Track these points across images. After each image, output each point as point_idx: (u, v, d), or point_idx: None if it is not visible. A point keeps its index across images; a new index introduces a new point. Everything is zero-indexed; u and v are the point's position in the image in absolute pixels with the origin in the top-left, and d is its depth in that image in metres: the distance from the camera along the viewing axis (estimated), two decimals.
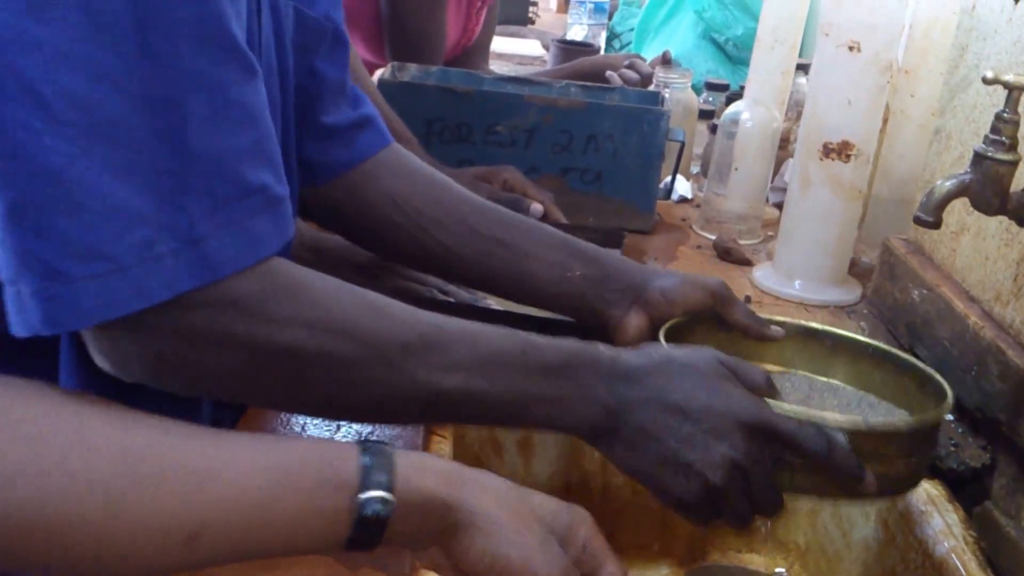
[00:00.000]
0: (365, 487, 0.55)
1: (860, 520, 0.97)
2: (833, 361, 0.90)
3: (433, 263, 0.91)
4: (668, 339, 0.82)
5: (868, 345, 0.89)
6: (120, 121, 0.54)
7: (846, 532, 0.99)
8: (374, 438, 0.68)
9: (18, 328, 0.54)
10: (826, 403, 0.86)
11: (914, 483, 0.76)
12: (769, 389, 0.72)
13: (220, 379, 0.61)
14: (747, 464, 0.67)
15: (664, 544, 1.10)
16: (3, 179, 0.52)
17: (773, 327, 0.88)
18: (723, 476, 0.67)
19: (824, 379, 0.90)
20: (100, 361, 0.60)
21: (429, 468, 0.58)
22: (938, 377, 0.82)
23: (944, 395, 0.78)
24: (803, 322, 0.93)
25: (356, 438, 0.71)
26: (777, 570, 1.09)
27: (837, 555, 1.00)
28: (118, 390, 0.62)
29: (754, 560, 1.11)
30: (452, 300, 1.02)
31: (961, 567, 0.79)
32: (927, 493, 0.88)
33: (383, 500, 0.55)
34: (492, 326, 0.69)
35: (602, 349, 0.70)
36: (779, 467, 0.70)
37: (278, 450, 0.56)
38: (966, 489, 0.90)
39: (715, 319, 0.88)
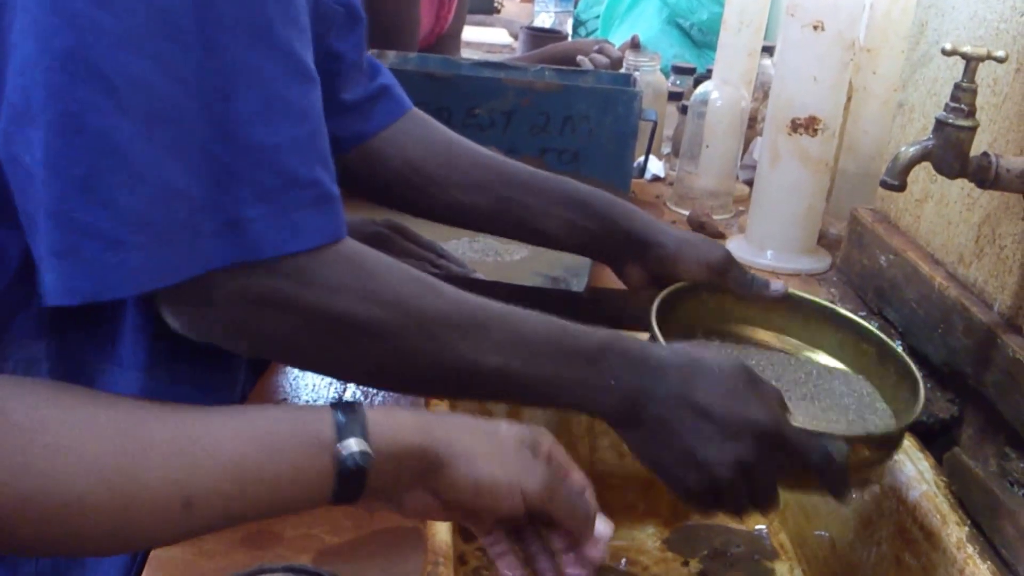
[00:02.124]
0: (342, 442, 0.57)
1: None
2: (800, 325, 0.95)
3: (455, 220, 0.95)
4: (660, 308, 0.86)
5: (825, 308, 0.94)
6: (177, 106, 0.58)
7: None
8: (345, 399, 0.70)
9: (66, 297, 0.57)
10: (787, 374, 0.91)
11: (878, 479, 0.82)
12: (782, 405, 0.75)
13: (279, 343, 0.65)
14: (755, 466, 0.71)
15: (649, 505, 1.14)
16: (71, 154, 0.56)
17: (772, 286, 0.92)
18: (732, 474, 0.71)
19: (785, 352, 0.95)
20: (172, 322, 0.64)
21: (399, 418, 0.60)
22: (900, 352, 0.87)
23: (909, 375, 0.84)
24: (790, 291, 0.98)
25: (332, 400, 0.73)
26: (757, 527, 1.13)
27: (814, 508, 1.05)
28: (171, 359, 0.69)
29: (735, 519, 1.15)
30: (443, 273, 1.06)
31: (934, 509, 0.84)
32: None
33: (361, 452, 0.57)
34: (533, 312, 0.72)
35: (633, 341, 0.73)
36: (779, 472, 0.74)
37: (258, 418, 0.58)
38: (936, 441, 0.95)
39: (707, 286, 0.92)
